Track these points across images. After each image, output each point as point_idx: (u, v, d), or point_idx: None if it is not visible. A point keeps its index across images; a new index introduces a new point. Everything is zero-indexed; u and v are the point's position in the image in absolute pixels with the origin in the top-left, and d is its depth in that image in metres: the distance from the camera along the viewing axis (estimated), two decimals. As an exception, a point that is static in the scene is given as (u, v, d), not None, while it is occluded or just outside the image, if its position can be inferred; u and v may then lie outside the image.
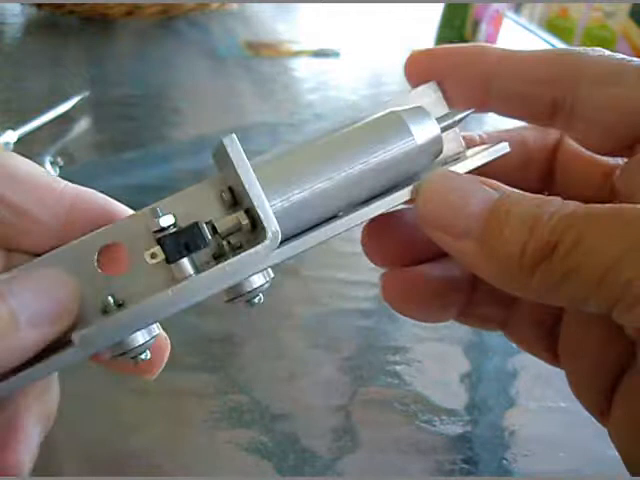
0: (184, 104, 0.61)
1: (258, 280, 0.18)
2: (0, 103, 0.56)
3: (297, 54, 0.73)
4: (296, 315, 0.34)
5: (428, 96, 0.21)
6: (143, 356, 0.18)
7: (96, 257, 0.18)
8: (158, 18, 0.76)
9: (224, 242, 0.18)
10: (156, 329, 0.18)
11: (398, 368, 0.31)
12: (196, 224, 0.17)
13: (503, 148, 0.20)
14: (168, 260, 0.17)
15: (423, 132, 0.20)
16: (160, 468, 0.18)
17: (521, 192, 0.18)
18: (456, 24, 0.70)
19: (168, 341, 0.20)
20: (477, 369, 0.32)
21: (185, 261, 0.17)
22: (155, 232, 0.17)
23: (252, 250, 0.17)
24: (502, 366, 0.32)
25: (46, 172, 0.19)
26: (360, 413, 0.29)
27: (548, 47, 0.83)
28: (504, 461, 0.27)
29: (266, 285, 0.18)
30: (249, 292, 0.18)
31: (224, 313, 0.33)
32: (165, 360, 0.20)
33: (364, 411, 0.29)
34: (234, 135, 0.17)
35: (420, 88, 0.21)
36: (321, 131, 0.20)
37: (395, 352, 0.32)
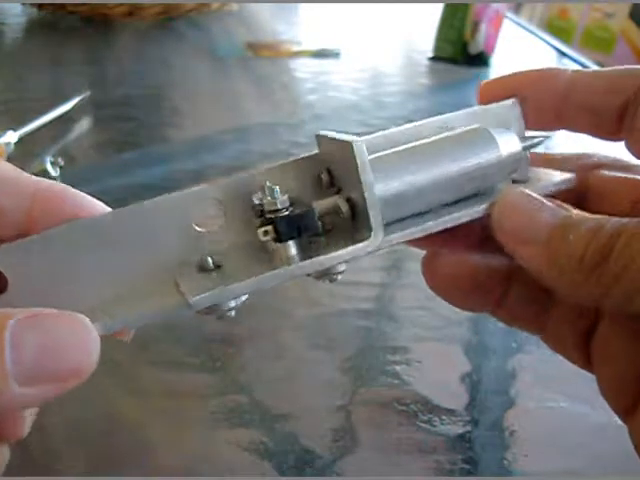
0: (184, 104, 0.61)
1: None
2: (0, 103, 0.56)
3: (297, 54, 0.73)
4: (296, 315, 0.34)
5: (505, 114, 0.23)
6: (231, 313, 0.18)
7: (193, 212, 0.19)
8: (158, 18, 0.77)
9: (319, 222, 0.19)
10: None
11: (398, 368, 0.31)
12: (312, 210, 0.18)
13: (569, 181, 0.22)
14: (280, 240, 0.18)
15: (507, 146, 0.21)
16: (160, 468, 0.18)
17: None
18: (456, 24, 0.70)
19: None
20: (477, 369, 0.32)
21: (291, 242, 0.18)
22: (270, 211, 0.18)
23: (357, 246, 0.18)
24: (502, 366, 0.32)
25: (4, 163, 0.18)
26: (360, 413, 0.29)
27: (548, 48, 0.83)
28: (504, 461, 0.27)
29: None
30: (337, 272, 0.19)
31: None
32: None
33: (364, 411, 0.29)
34: (362, 143, 0.18)
35: (496, 105, 0.23)
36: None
37: (395, 352, 0.32)
